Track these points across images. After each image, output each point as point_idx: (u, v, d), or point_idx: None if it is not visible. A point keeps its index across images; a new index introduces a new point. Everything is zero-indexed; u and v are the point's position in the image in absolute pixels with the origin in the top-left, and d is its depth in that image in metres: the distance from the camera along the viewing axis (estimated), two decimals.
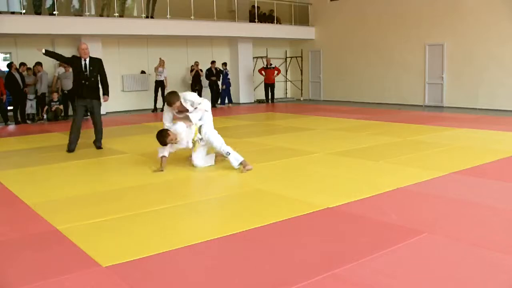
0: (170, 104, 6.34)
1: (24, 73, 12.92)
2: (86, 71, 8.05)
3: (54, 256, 3.52)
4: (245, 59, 18.21)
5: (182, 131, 6.22)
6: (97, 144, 8.34)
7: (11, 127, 12.40)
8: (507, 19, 13.18)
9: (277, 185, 5.45)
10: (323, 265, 3.22)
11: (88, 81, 8.07)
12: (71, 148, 8.00)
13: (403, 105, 15.38)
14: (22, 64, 12.98)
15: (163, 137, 6.17)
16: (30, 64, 13.36)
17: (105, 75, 8.33)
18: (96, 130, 8.36)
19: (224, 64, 16.97)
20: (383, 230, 3.91)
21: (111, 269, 3.22)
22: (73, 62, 8.22)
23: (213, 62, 16.57)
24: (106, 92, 8.42)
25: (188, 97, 6.43)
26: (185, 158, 6.82)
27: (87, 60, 8.11)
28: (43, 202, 4.96)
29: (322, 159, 6.95)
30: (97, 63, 8.26)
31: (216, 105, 16.96)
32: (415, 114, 12.93)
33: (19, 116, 12.99)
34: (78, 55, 8.18)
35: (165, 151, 6.31)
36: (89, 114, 8.62)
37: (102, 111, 14.58)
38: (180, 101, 6.32)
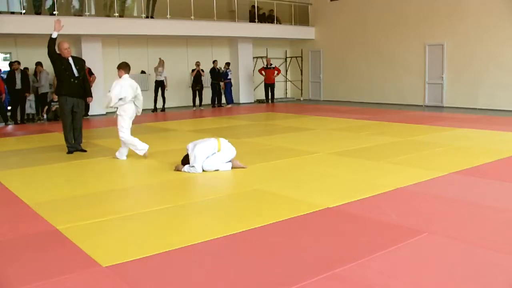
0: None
1: (17, 71, 12.79)
2: (73, 69, 7.90)
3: (54, 256, 3.52)
4: (245, 59, 18.22)
5: (200, 155, 6.17)
6: (80, 147, 8.05)
7: (11, 127, 12.40)
8: (507, 19, 13.18)
9: (277, 185, 5.45)
10: (323, 265, 3.22)
11: (77, 79, 7.94)
12: (72, 150, 7.94)
13: (403, 105, 15.39)
14: (12, 62, 12.90)
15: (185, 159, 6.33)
16: (30, 64, 13.35)
17: (87, 76, 8.23)
18: (77, 132, 8.05)
19: (227, 64, 16.99)
20: (383, 230, 3.91)
21: (111, 269, 3.22)
22: (61, 59, 7.85)
23: (214, 62, 16.61)
24: (90, 94, 8.33)
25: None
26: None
27: (70, 59, 7.95)
28: (43, 202, 4.96)
29: (322, 159, 6.95)
30: (81, 63, 8.16)
31: (222, 105, 16.99)
32: (415, 114, 12.93)
33: (18, 116, 12.98)
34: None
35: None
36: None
37: (103, 111, 14.75)
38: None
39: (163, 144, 8.67)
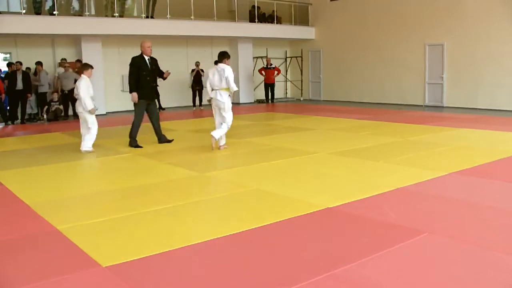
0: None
1: (19, 71, 12.76)
2: (150, 71, 8.21)
3: (54, 256, 3.52)
4: (245, 59, 18.21)
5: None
6: (164, 138, 8.55)
7: (11, 127, 12.39)
8: (507, 19, 13.18)
9: (277, 185, 5.45)
10: (323, 265, 3.22)
11: (154, 82, 8.34)
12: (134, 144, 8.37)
13: (403, 105, 15.38)
14: (13, 63, 12.88)
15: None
16: (30, 64, 13.35)
17: (160, 70, 8.57)
18: (157, 129, 8.54)
19: None
20: (383, 230, 3.91)
21: (111, 269, 3.22)
22: (140, 66, 8.15)
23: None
24: (162, 73, 8.61)
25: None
26: (183, 160, 6.82)
27: (149, 59, 8.24)
28: (43, 202, 4.96)
29: (322, 159, 6.95)
30: (156, 63, 8.41)
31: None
32: (415, 114, 12.93)
33: (18, 116, 12.97)
34: (140, 54, 8.23)
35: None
36: (147, 112, 8.52)
37: (102, 111, 14.75)
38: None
39: (163, 144, 8.66)
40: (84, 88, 7.78)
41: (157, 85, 8.56)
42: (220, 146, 7.75)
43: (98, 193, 5.39)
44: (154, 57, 8.46)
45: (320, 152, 7.39)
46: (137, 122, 8.34)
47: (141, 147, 8.20)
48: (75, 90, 8.00)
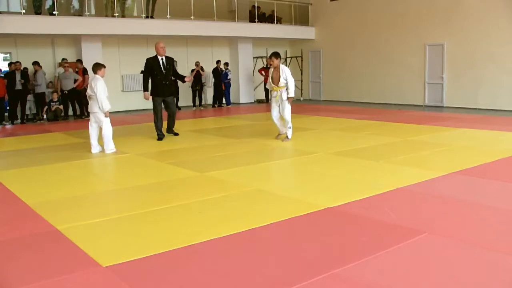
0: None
1: (18, 71, 12.72)
2: (164, 70, 8.59)
3: (54, 256, 3.52)
4: (245, 59, 18.21)
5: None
6: (172, 131, 9.15)
7: (9, 127, 12.39)
8: (507, 19, 13.18)
9: (277, 185, 5.45)
10: (323, 265, 3.22)
11: (168, 80, 8.69)
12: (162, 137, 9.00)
13: (403, 105, 15.38)
14: (13, 63, 12.86)
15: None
16: (29, 64, 13.35)
17: (177, 71, 9.04)
18: (171, 120, 9.13)
19: (226, 64, 16.98)
20: (383, 230, 3.91)
21: (111, 269, 3.22)
22: (153, 66, 8.63)
23: (218, 62, 16.64)
24: (182, 77, 9.30)
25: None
26: (183, 160, 6.83)
27: (164, 59, 8.63)
28: (43, 202, 4.96)
29: (322, 159, 6.95)
30: (171, 62, 8.82)
31: (222, 105, 16.97)
32: (415, 114, 12.92)
33: (18, 115, 12.96)
34: (155, 55, 8.69)
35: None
36: (164, 107, 9.10)
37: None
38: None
39: (163, 144, 8.67)
40: (102, 88, 7.73)
41: (172, 83, 8.94)
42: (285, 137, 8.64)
43: (98, 193, 5.39)
44: (170, 56, 8.96)
45: (320, 152, 7.39)
46: (156, 119, 8.90)
47: (163, 135, 8.92)
48: (89, 90, 7.87)
